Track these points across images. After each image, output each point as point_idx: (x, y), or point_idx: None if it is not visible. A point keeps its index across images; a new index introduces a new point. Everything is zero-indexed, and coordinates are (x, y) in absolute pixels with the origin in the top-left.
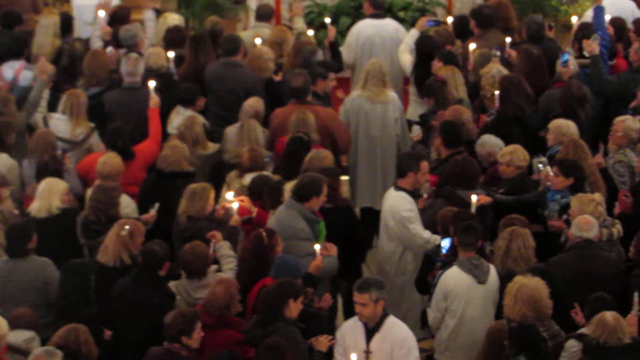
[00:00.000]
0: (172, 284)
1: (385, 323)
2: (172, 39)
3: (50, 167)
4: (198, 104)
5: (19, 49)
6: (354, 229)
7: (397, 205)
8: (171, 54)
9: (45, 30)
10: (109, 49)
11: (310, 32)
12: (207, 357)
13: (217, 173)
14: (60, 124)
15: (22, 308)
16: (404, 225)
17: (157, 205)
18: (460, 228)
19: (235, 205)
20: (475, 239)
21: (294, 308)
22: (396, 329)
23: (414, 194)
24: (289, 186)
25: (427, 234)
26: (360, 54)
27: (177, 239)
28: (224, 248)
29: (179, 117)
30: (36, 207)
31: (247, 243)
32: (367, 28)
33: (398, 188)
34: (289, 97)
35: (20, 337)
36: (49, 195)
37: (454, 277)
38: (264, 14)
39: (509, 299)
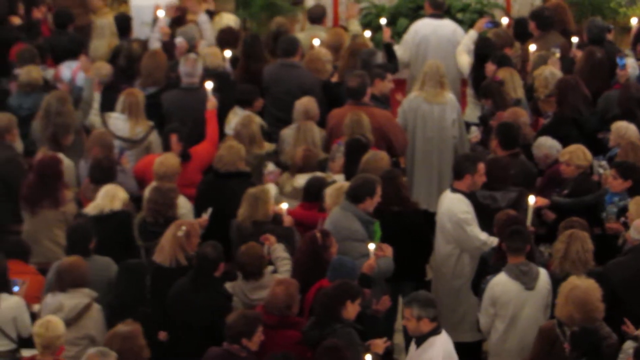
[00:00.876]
0: (228, 285)
1: (425, 342)
2: (225, 39)
3: (104, 166)
4: (256, 105)
5: (76, 49)
6: (422, 232)
7: (454, 207)
8: (227, 54)
9: (101, 31)
10: (179, 39)
11: (368, 34)
12: (266, 358)
13: None
14: (119, 123)
15: None
16: (461, 228)
17: (210, 210)
18: (508, 233)
19: (284, 206)
20: (523, 244)
21: (351, 309)
22: (429, 351)
23: (471, 196)
24: (329, 191)
25: (484, 236)
26: (415, 52)
27: (236, 241)
28: (278, 250)
29: (237, 117)
30: (91, 207)
31: (302, 244)
32: (424, 27)
33: (454, 190)
34: (346, 99)
35: None
36: (111, 201)
37: (501, 284)
38: (317, 17)
39: (560, 299)
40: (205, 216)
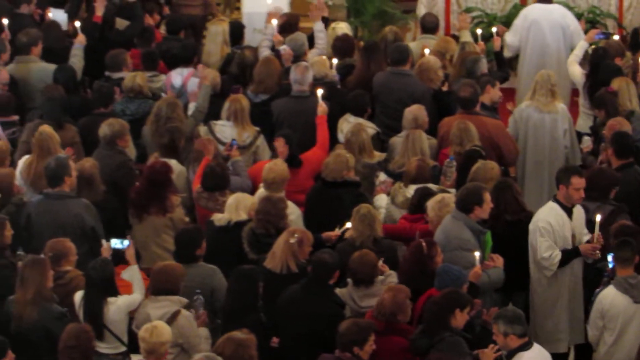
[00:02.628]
0: (338, 292)
1: (513, 358)
2: (341, 47)
3: (216, 173)
4: (367, 112)
5: (188, 55)
6: None
7: (541, 214)
8: (335, 62)
9: (214, 38)
10: (283, 47)
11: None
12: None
13: None
14: (226, 130)
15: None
16: (534, 234)
17: (347, 224)
18: (617, 243)
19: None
20: (632, 255)
21: (460, 318)
22: None
23: (569, 209)
24: (430, 203)
25: (547, 252)
26: (525, 37)
27: (343, 251)
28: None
29: (348, 124)
30: (218, 217)
31: (407, 254)
32: (534, 11)
33: (554, 199)
34: (457, 108)
35: None
36: (236, 210)
37: (610, 298)
38: (429, 26)
39: None
40: (338, 231)
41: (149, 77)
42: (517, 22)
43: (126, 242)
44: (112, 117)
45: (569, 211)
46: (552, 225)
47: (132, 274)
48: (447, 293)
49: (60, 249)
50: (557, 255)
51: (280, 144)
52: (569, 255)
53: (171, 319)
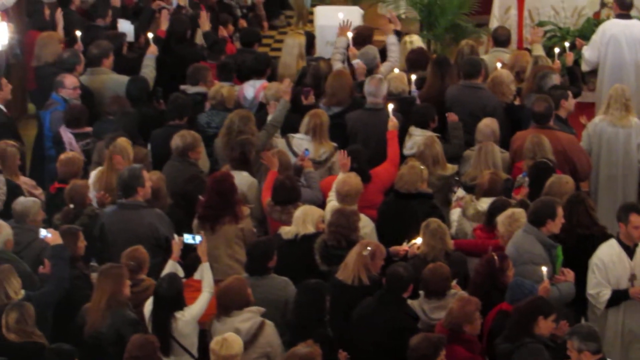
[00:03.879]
0: (409, 303)
1: None
2: (415, 60)
3: (287, 187)
4: (431, 125)
5: (262, 68)
6: None
7: (600, 249)
8: (413, 77)
9: (290, 50)
10: (356, 60)
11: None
12: None
13: None
14: (303, 144)
15: None
16: (589, 269)
17: (415, 240)
18: None
19: (418, 241)
20: None
21: (543, 326)
22: None
23: (630, 248)
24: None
25: (595, 289)
26: (604, 52)
27: (415, 266)
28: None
29: (413, 138)
30: (286, 231)
31: (479, 267)
32: (613, 27)
33: (616, 237)
34: (530, 122)
35: None
36: (303, 223)
37: None
38: (502, 39)
39: None
40: (406, 246)
41: (231, 84)
42: (596, 37)
43: (198, 238)
44: (188, 129)
45: (629, 250)
46: (605, 263)
47: (202, 271)
48: (531, 300)
49: (139, 257)
50: (605, 294)
51: (342, 156)
52: (618, 296)
53: (259, 330)
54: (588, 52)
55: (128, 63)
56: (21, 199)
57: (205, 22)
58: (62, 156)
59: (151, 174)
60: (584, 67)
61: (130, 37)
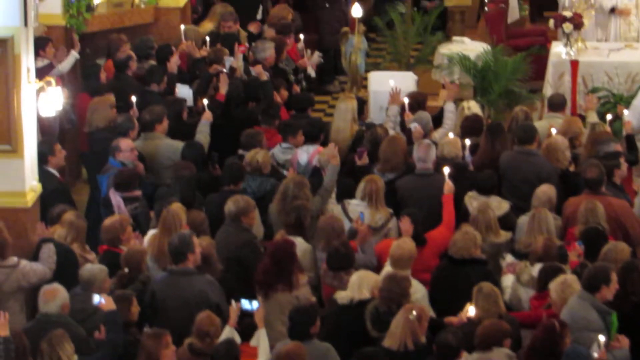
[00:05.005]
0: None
1: None
2: (469, 127)
3: (341, 253)
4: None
5: (315, 133)
6: None
7: None
8: (467, 142)
9: (343, 115)
10: (414, 124)
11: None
12: None
13: None
14: (359, 210)
15: None
16: None
17: (469, 308)
18: None
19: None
20: None
21: None
22: None
23: None
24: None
25: None
26: None
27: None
28: None
29: (474, 202)
30: (341, 296)
31: (538, 332)
32: None
33: None
34: (583, 188)
35: None
36: (359, 288)
37: None
38: (557, 104)
39: None
40: (463, 316)
41: (284, 148)
42: (636, 102)
43: (255, 304)
44: (240, 194)
45: None
46: None
47: (259, 338)
48: None
49: (214, 322)
50: None
51: (406, 222)
52: None
53: None
54: (630, 116)
55: (187, 128)
56: (88, 265)
57: (223, 85)
58: (106, 221)
59: (201, 240)
60: (626, 131)
61: (190, 101)
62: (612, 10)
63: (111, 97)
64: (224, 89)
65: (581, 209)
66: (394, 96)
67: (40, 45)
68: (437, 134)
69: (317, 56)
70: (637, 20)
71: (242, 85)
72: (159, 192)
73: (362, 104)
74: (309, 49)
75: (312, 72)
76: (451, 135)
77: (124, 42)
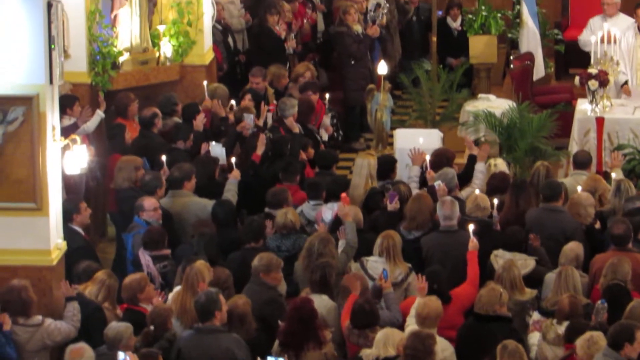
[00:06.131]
0: None
1: None
2: (496, 185)
3: (365, 310)
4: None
5: (339, 190)
6: None
7: None
8: (495, 201)
9: (359, 171)
10: (438, 182)
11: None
12: None
13: None
14: (378, 266)
15: None
16: None
17: None
18: None
19: None
20: None
21: None
22: None
23: None
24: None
25: None
26: None
27: None
28: None
29: (500, 260)
30: (367, 353)
31: None
32: None
33: None
34: (610, 245)
35: None
36: (384, 346)
37: None
38: (582, 162)
39: None
40: None
41: (314, 205)
42: None
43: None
44: (264, 251)
45: None
46: None
47: None
48: None
49: None
50: None
51: (421, 280)
52: None
53: None
54: None
55: (217, 187)
56: (113, 324)
57: (261, 146)
58: (126, 279)
59: (237, 298)
60: None
61: (223, 160)
62: (624, 83)
63: (138, 159)
64: (261, 149)
65: (607, 265)
66: (416, 157)
67: (67, 103)
68: (464, 192)
69: (327, 118)
70: None
71: (269, 142)
72: (180, 250)
73: (393, 163)
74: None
75: (324, 135)
76: (477, 192)
77: (132, 100)
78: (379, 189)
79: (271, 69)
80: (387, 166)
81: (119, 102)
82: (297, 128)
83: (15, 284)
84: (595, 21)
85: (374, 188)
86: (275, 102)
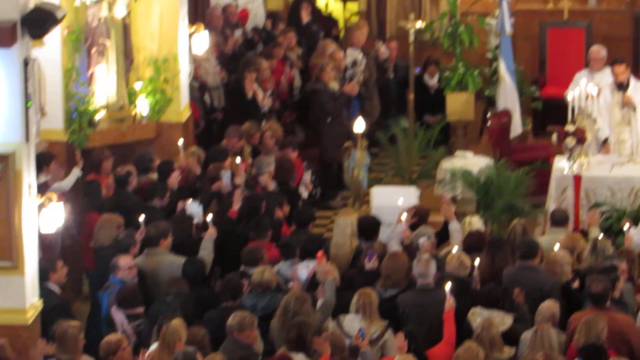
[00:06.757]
0: None
1: None
2: (473, 244)
3: None
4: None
5: (315, 248)
6: None
7: None
8: (476, 261)
9: (342, 230)
10: (423, 238)
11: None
12: None
13: None
14: (354, 324)
15: None
16: None
17: None
18: None
19: None
20: None
21: None
22: None
23: None
24: None
25: None
26: None
27: None
28: None
29: (477, 318)
30: None
31: None
32: None
33: None
34: (587, 303)
35: None
36: None
37: None
38: (559, 220)
39: None
40: None
41: (290, 265)
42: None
43: None
44: (240, 310)
45: None
46: None
47: None
48: None
49: None
50: None
51: (400, 338)
52: None
53: None
54: (637, 236)
55: (194, 244)
56: None
57: (237, 201)
58: (105, 339)
59: (213, 356)
60: (628, 246)
61: (199, 218)
62: (605, 141)
63: (118, 218)
64: (237, 205)
65: (581, 323)
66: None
67: (44, 161)
68: (443, 251)
69: (307, 176)
70: (631, 137)
71: (244, 200)
72: (154, 308)
73: (378, 224)
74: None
75: (303, 192)
76: (455, 250)
77: (107, 156)
78: (364, 247)
79: (245, 126)
80: (371, 226)
81: (93, 158)
82: (271, 185)
83: None
84: (581, 75)
85: (359, 247)
86: (251, 159)
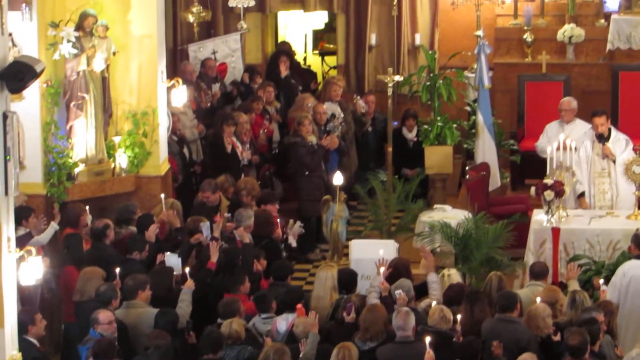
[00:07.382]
0: None
1: None
2: (453, 297)
3: None
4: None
5: (294, 301)
6: None
7: None
8: (459, 316)
9: (323, 283)
10: (398, 291)
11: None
12: None
13: None
14: None
15: None
16: None
17: None
18: None
19: None
20: None
21: None
22: None
23: None
24: None
25: None
26: (624, 294)
27: None
28: None
29: None
30: None
31: None
32: (633, 268)
33: None
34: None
35: None
36: None
37: None
38: (538, 273)
39: None
40: None
41: (264, 318)
42: (615, 279)
43: None
44: None
45: None
46: None
47: None
48: None
49: None
50: None
51: None
52: None
53: None
54: (609, 292)
55: (175, 298)
56: None
57: (214, 253)
58: None
59: None
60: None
61: (178, 270)
62: (581, 195)
63: (101, 270)
64: (215, 257)
65: None
66: (380, 267)
67: (23, 215)
68: (422, 304)
69: (297, 226)
70: (611, 188)
71: (222, 253)
72: None
73: (355, 276)
74: (290, 219)
75: (293, 242)
76: (434, 304)
77: (83, 210)
78: (344, 300)
79: (219, 179)
80: (349, 279)
81: (69, 212)
82: (247, 238)
83: None
84: (551, 127)
85: (340, 300)
86: (227, 213)
